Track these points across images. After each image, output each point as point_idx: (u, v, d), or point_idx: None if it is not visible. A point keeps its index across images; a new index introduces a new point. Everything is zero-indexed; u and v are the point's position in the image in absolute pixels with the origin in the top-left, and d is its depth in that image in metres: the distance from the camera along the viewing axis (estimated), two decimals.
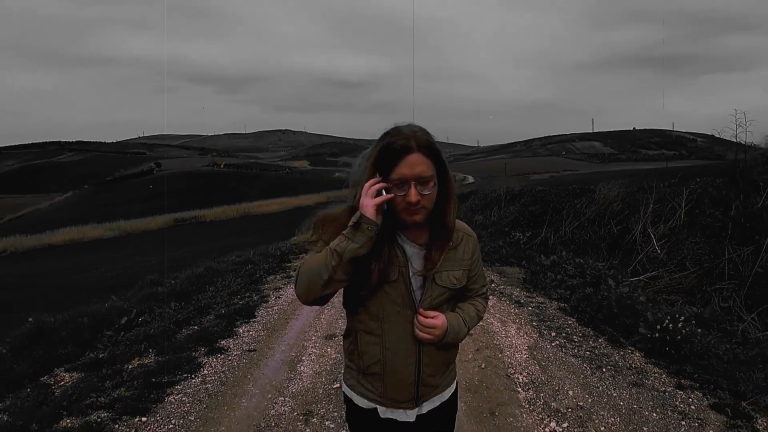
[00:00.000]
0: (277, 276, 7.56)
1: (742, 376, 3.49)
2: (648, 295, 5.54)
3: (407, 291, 1.39)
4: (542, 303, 5.69)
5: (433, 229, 1.40)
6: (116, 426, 2.91)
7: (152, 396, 3.29)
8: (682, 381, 3.50)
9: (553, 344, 4.29)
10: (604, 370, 3.71)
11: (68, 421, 2.98)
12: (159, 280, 7.15)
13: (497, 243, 10.13)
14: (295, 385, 3.52)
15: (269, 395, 3.34)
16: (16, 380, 3.65)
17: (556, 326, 4.79)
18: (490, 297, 1.81)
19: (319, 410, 3.14)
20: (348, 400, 1.53)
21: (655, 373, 3.66)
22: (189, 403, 3.22)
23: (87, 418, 2.99)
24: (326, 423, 2.98)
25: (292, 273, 7.65)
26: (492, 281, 6.84)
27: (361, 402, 1.48)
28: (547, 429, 2.88)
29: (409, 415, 1.46)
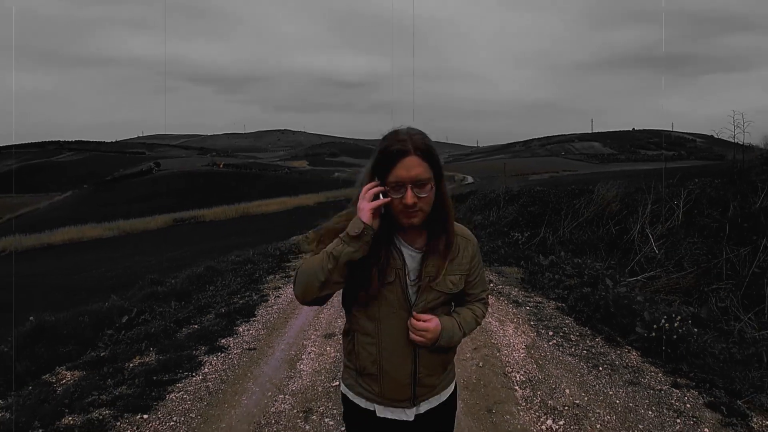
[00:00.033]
0: (277, 275, 7.60)
1: (737, 375, 3.53)
2: (645, 295, 5.58)
3: (403, 293, 1.40)
4: (540, 303, 5.72)
5: (430, 232, 1.42)
6: (118, 423, 2.95)
7: (153, 394, 3.32)
8: (678, 380, 3.53)
9: (550, 343, 4.33)
10: (600, 368, 3.75)
11: (70, 418, 3.01)
12: (159, 280, 7.19)
13: (496, 243, 10.17)
14: (294, 383, 3.55)
15: (269, 393, 3.38)
16: (18, 378, 3.69)
17: (554, 325, 4.83)
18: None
19: (319, 408, 3.17)
20: (346, 400, 1.54)
21: (651, 371, 3.70)
22: (190, 400, 3.25)
23: (89, 416, 3.02)
24: (325, 420, 3.01)
25: (291, 273, 7.69)
26: (490, 281, 6.88)
27: (359, 401, 1.49)
28: (543, 426, 2.92)
29: (407, 414, 1.47)
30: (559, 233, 10.24)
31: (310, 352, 4.17)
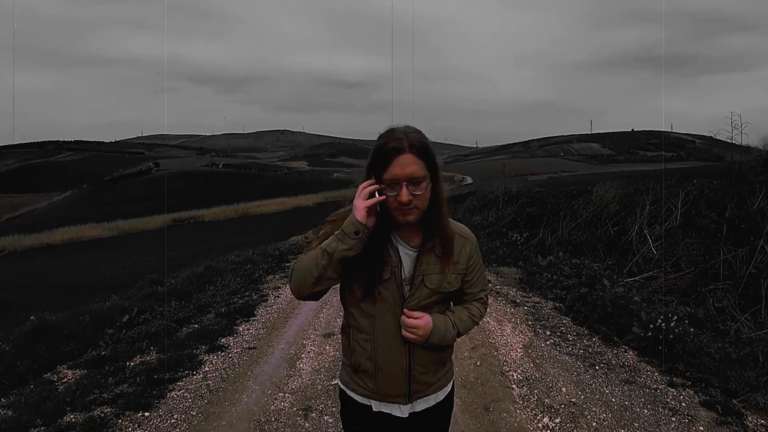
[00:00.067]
0: (276, 276, 7.63)
1: (733, 374, 3.56)
2: (643, 295, 5.62)
3: (398, 291, 1.41)
4: (538, 303, 5.76)
5: (426, 231, 1.42)
6: (119, 421, 2.98)
7: (154, 392, 3.35)
8: (674, 379, 3.57)
9: (547, 343, 4.37)
10: (597, 368, 3.79)
11: (72, 416, 3.04)
12: (159, 280, 7.22)
13: (495, 243, 10.21)
14: (294, 381, 3.59)
15: (269, 391, 3.41)
16: (19, 377, 3.72)
17: (551, 325, 4.87)
18: None
19: (318, 405, 3.21)
20: (343, 395, 1.55)
21: (647, 371, 3.73)
22: (191, 398, 3.29)
23: (91, 414, 3.05)
24: (325, 418, 3.05)
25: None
26: (489, 281, 6.91)
27: (356, 397, 1.50)
28: (540, 424, 2.96)
29: (402, 411, 1.48)
30: (558, 234, 10.29)
31: (309, 351, 4.21)
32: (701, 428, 2.90)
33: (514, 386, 3.48)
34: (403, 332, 1.41)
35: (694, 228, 8.74)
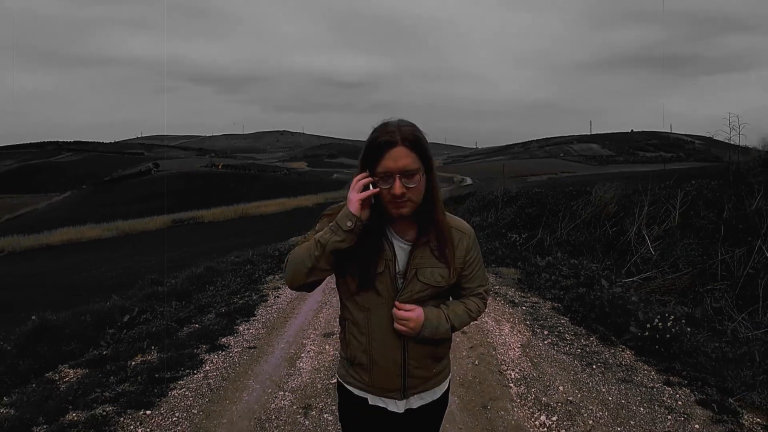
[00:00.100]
0: (276, 276, 7.65)
1: (729, 373, 3.60)
2: (640, 296, 5.65)
3: (392, 284, 1.42)
4: (536, 303, 5.80)
5: (421, 224, 1.43)
6: (121, 419, 3.01)
7: (156, 391, 3.38)
8: (671, 378, 3.60)
9: (545, 342, 4.40)
10: (594, 366, 3.82)
11: (74, 414, 3.07)
12: (159, 280, 7.25)
13: (494, 244, 10.25)
14: (294, 380, 3.62)
15: (269, 390, 3.44)
16: (21, 376, 3.75)
17: (549, 325, 4.90)
18: None
19: (318, 404, 3.24)
20: (340, 388, 1.57)
21: (644, 370, 3.77)
22: (192, 397, 3.32)
23: (93, 412, 3.08)
24: (324, 416, 3.08)
25: None
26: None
27: (353, 390, 1.51)
28: (537, 422, 2.99)
29: (398, 406, 1.49)
30: (557, 234, 10.32)
31: (309, 351, 4.24)
32: (697, 426, 2.93)
33: (511, 385, 3.51)
34: (395, 325, 1.41)
35: (692, 228, 8.78)
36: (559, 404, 3.21)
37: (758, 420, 3.00)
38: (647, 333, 4.10)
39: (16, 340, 4.43)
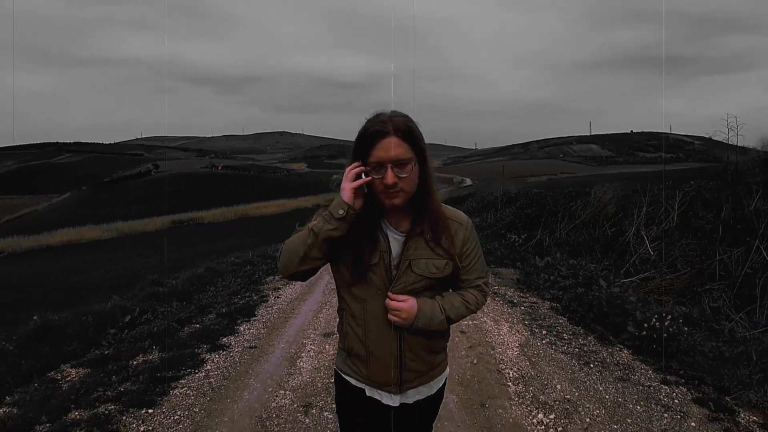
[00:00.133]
0: (276, 276, 7.68)
1: (726, 372, 3.62)
2: (639, 296, 5.68)
3: (387, 275, 1.42)
4: (535, 303, 5.83)
5: (415, 215, 1.43)
6: (124, 418, 3.03)
7: (158, 390, 3.41)
8: (668, 377, 3.63)
9: (543, 342, 4.43)
10: (591, 366, 3.85)
11: (77, 413, 3.10)
12: (160, 280, 7.28)
13: (493, 245, 10.28)
14: (294, 379, 3.65)
15: (270, 389, 3.48)
16: (23, 376, 3.77)
17: (548, 325, 4.94)
18: None
19: (318, 402, 3.27)
20: (338, 378, 1.57)
21: (641, 369, 3.80)
22: (193, 396, 3.35)
23: (95, 411, 3.10)
24: (325, 414, 3.11)
25: None
26: None
27: (350, 380, 1.52)
28: (534, 420, 3.02)
29: (393, 400, 1.49)
30: (556, 235, 10.36)
31: (309, 350, 4.27)
32: (693, 424, 2.96)
33: (509, 383, 3.55)
34: (389, 315, 1.41)
35: (690, 229, 8.82)
36: (557, 402, 3.24)
37: (754, 418, 3.03)
38: (645, 332, 4.13)
39: (18, 340, 4.45)
